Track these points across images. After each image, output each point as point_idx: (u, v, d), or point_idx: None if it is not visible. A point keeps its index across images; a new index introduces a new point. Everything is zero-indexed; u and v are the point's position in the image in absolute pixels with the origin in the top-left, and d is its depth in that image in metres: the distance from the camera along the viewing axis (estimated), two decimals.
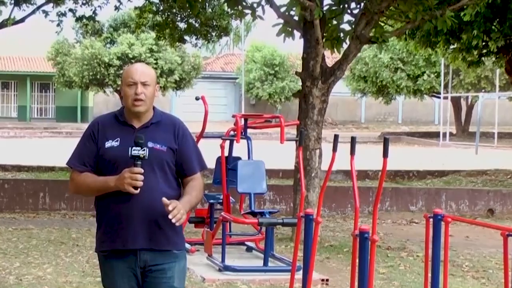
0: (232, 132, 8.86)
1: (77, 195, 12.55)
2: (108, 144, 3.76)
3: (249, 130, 8.86)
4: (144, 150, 3.65)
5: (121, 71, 37.28)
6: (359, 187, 10.57)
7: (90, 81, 38.16)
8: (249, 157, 8.52)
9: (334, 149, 5.45)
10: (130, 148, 3.65)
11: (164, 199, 3.62)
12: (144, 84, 3.76)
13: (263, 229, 8.22)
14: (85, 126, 42.90)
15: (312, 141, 9.73)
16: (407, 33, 13.15)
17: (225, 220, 8.15)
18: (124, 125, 3.80)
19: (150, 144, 3.72)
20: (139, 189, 3.64)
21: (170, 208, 3.58)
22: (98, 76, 37.64)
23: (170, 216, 3.58)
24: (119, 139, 3.76)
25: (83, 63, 37.49)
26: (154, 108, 3.86)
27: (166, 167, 3.77)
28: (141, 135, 3.69)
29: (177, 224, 3.62)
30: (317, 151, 9.77)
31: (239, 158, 8.77)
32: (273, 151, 18.71)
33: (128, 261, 3.75)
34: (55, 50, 40.03)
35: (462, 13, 10.65)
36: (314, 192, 9.66)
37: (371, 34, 9.69)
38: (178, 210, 3.60)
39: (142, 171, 3.63)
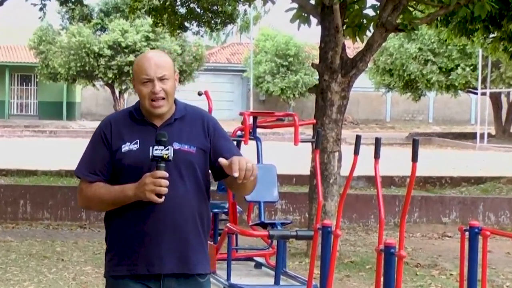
0: (239, 132, 8.86)
1: (61, 207, 12.67)
2: (125, 147, 3.57)
3: (258, 130, 8.85)
4: (168, 149, 3.46)
5: (112, 62, 37.47)
6: (384, 196, 10.55)
7: (77, 73, 38.26)
8: (258, 161, 8.52)
9: (356, 151, 5.44)
10: (151, 147, 3.47)
11: (221, 160, 3.42)
12: (162, 79, 3.56)
13: (274, 242, 8.22)
14: (71, 124, 42.65)
15: (330, 143, 9.73)
16: (439, 19, 13.12)
17: (231, 232, 8.15)
18: (142, 124, 3.62)
19: (176, 146, 3.54)
20: (163, 198, 3.46)
21: (234, 166, 3.33)
22: (86, 68, 37.74)
23: (235, 174, 3.33)
24: (138, 141, 3.57)
25: (69, 52, 37.61)
26: (175, 100, 3.67)
27: (197, 171, 3.60)
28: (164, 132, 3.51)
29: (245, 181, 3.35)
30: (336, 154, 9.77)
31: None
32: (286, 154, 18.71)
33: None
34: (38, 37, 40.18)
35: None
36: (332, 201, 9.66)
37: (398, 21, 9.68)
38: (243, 165, 3.35)
39: (167, 174, 3.44)
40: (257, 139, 8.60)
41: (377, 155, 5.12)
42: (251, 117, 8.72)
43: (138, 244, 3.54)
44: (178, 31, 15.45)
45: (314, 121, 9.70)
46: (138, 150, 3.56)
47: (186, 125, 3.63)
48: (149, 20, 23.43)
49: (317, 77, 10.03)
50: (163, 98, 3.56)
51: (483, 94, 35.72)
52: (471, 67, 35.77)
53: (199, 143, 3.61)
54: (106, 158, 3.60)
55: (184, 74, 39.56)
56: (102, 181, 3.60)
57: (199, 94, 8.84)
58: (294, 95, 45.84)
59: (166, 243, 3.53)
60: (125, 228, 3.57)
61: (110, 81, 38.43)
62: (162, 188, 3.44)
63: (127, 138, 3.59)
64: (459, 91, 38.01)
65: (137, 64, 3.62)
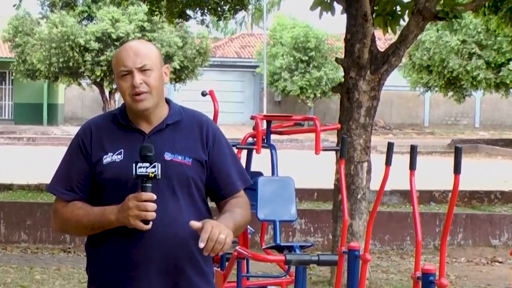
0: (250, 139, 8.89)
1: (41, 228, 12.70)
2: (107, 158, 3.54)
3: (273, 137, 8.87)
4: (154, 166, 3.40)
5: (101, 57, 37.58)
6: (422, 213, 10.55)
7: (60, 70, 38.36)
8: (273, 173, 8.53)
9: (388, 162, 5.45)
10: (134, 164, 3.40)
11: (193, 222, 3.37)
12: (142, 69, 3.53)
13: (292, 269, 8.24)
14: (52, 129, 42.70)
15: (357, 152, 9.74)
16: (487, 6, 13.12)
17: (241, 256, 8.16)
18: (128, 130, 3.59)
19: (167, 156, 3.52)
20: (151, 223, 3.42)
21: (203, 234, 3.28)
22: (70, 64, 37.84)
23: (201, 245, 3.30)
24: (122, 150, 3.54)
25: (50, 45, 37.72)
26: (169, 102, 3.66)
27: (193, 188, 3.57)
28: (149, 145, 3.44)
29: (212, 254, 3.34)
30: (365, 164, 9.78)
31: (260, 174, 8.78)
32: (305, 164, 18.74)
33: None
34: (13, 28, 40.30)
35: None
36: (360, 220, 9.67)
37: (438, 8, 9.69)
38: (214, 235, 3.30)
39: (154, 197, 3.40)
40: (271, 147, 8.61)
41: (413, 166, 5.13)
42: (265, 121, 8.74)
43: (123, 273, 3.53)
44: (178, 20, 15.48)
45: (339, 126, 9.71)
46: (122, 161, 3.53)
47: (181, 132, 3.61)
48: (144, 7, 23.52)
49: (342, 74, 10.04)
50: (145, 92, 3.54)
51: None
52: None
53: (195, 154, 3.58)
54: (84, 171, 3.57)
55: (186, 71, 39.63)
56: (80, 199, 3.57)
57: (203, 94, 8.85)
58: (315, 94, 45.73)
59: (154, 272, 3.51)
60: (109, 256, 3.54)
61: (98, 79, 38.50)
62: (149, 213, 3.41)
63: (109, 147, 3.56)
64: (511, 90, 37.94)
65: (115, 56, 3.62)
